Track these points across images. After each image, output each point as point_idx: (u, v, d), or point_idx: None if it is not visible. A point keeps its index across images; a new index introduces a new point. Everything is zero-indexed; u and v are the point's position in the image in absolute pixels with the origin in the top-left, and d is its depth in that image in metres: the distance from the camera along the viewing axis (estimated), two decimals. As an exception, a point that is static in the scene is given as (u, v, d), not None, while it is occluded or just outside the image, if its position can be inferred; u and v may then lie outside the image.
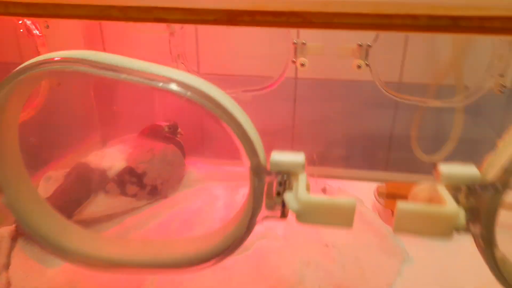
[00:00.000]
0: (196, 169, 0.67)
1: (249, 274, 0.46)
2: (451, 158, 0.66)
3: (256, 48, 0.70)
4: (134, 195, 0.56)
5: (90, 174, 0.54)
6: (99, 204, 0.53)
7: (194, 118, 0.77)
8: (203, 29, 0.70)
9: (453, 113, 0.70)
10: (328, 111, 0.73)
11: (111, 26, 0.72)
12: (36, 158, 0.63)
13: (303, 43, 0.59)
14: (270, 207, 0.24)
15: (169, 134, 0.65)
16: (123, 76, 0.21)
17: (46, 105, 0.58)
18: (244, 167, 0.23)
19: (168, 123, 0.66)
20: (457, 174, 0.23)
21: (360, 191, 0.62)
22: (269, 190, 0.24)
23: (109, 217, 0.54)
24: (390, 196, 0.56)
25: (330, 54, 0.60)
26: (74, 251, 0.29)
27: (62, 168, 0.60)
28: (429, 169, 0.70)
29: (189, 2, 0.20)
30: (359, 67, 0.57)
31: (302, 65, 0.59)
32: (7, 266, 0.45)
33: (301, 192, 0.23)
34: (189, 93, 0.21)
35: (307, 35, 0.66)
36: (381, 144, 0.73)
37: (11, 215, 0.31)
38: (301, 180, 0.23)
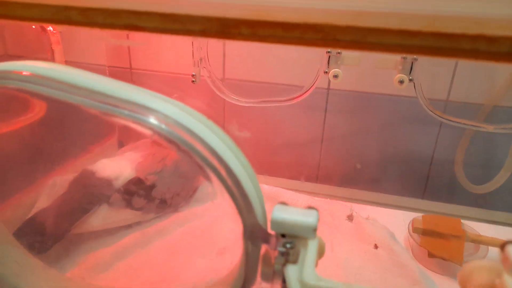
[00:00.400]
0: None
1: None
2: (503, 190, 0.57)
3: (286, 55, 0.64)
4: (140, 209, 0.52)
5: (94, 183, 0.50)
6: (101, 217, 0.49)
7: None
8: None
9: (506, 138, 0.61)
10: (362, 127, 0.66)
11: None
12: (45, 162, 0.60)
13: (338, 53, 0.52)
14: (267, 278, 0.18)
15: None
16: (74, 98, 0.16)
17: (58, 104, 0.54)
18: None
19: (185, 131, 0.61)
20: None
21: (391, 221, 0.55)
22: (267, 255, 0.19)
23: (111, 232, 0.50)
24: (427, 233, 0.49)
25: (368, 65, 0.53)
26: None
27: (69, 173, 0.57)
28: (475, 201, 0.61)
29: (170, 6, 0.15)
30: (401, 82, 0.50)
31: (335, 76, 0.52)
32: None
33: (308, 271, 0.17)
34: (163, 127, 0.16)
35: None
36: (419, 168, 0.65)
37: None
38: (311, 250, 0.17)
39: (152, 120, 0.17)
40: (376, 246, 0.49)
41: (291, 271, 0.17)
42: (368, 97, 0.64)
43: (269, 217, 0.19)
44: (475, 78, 0.59)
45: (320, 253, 0.19)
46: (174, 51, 0.69)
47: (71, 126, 0.67)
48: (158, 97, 0.18)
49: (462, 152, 0.62)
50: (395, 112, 0.63)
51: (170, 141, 0.17)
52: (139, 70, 0.72)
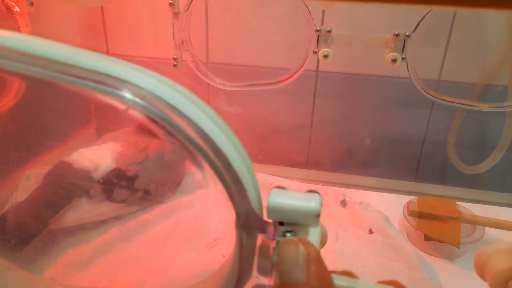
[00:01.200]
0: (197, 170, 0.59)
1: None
2: (496, 170, 0.56)
3: (273, 36, 0.61)
4: (123, 201, 0.49)
5: (72, 175, 0.47)
6: (80, 211, 0.46)
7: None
8: (213, 12, 0.62)
9: (498, 116, 0.60)
10: (353, 110, 0.64)
11: (111, 5, 0.64)
12: (20, 153, 0.56)
13: (328, 31, 0.50)
14: (264, 271, 0.16)
15: (169, 130, 0.58)
16: (34, 69, 0.13)
17: (31, 91, 0.50)
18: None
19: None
20: None
21: (385, 205, 0.54)
22: (264, 246, 0.16)
23: (91, 226, 0.47)
24: (422, 216, 0.47)
25: (359, 44, 0.51)
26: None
27: (45, 166, 0.53)
28: (468, 182, 0.60)
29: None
30: (394, 61, 0.48)
31: (325, 56, 0.50)
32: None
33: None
34: (138, 101, 0.13)
35: (332, 21, 0.56)
36: (411, 150, 0.64)
37: None
38: (313, 239, 0.15)
39: (125, 92, 0.14)
40: (371, 231, 0.47)
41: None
42: (358, 78, 0.62)
43: (264, 205, 0.17)
44: (466, 57, 0.57)
45: (323, 241, 0.17)
46: (154, 34, 0.65)
47: (45, 116, 0.63)
48: (133, 68, 0.15)
49: (454, 133, 0.61)
50: (385, 94, 0.62)
51: (147, 117, 0.14)
52: (116, 54, 0.68)
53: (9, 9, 0.47)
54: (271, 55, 0.63)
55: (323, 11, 0.58)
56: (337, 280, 0.15)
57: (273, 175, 0.58)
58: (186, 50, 0.56)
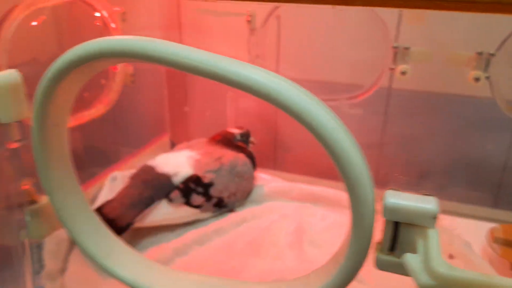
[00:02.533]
0: (266, 184, 0.61)
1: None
2: None
3: (345, 52, 0.62)
4: (199, 206, 0.51)
5: (155, 179, 0.50)
6: (161, 212, 0.48)
7: (267, 127, 0.70)
8: (286, 28, 0.64)
9: None
10: (427, 130, 0.62)
11: (189, 20, 0.68)
12: (103, 157, 0.61)
13: (406, 48, 0.50)
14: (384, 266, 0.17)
15: (241, 143, 0.60)
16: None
17: (118, 103, 0.55)
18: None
19: (240, 131, 0.60)
20: None
21: (463, 230, 0.51)
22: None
23: (170, 228, 0.50)
24: (508, 244, 0.44)
25: (438, 62, 0.50)
26: (122, 277, 0.24)
27: (128, 169, 0.58)
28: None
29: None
30: (477, 79, 0.46)
31: (403, 73, 0.49)
32: (63, 270, 0.43)
33: (438, 260, 0.15)
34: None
35: (410, 38, 0.56)
36: (491, 175, 0.60)
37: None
38: (433, 240, 0.15)
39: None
40: (451, 256, 0.45)
41: (412, 260, 0.15)
42: (432, 97, 0.60)
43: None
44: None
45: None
46: (227, 48, 0.68)
47: (126, 125, 0.68)
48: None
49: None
50: (462, 113, 0.59)
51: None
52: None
53: (106, 25, 0.52)
54: (343, 71, 0.64)
55: (398, 27, 0.58)
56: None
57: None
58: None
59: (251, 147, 0.61)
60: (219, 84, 0.67)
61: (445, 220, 0.53)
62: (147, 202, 0.48)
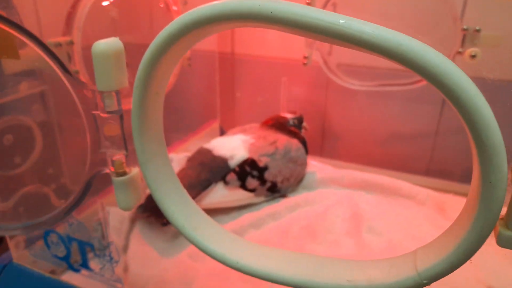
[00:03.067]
0: (317, 170, 0.60)
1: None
2: None
3: (413, 34, 0.59)
4: (253, 190, 0.51)
5: (212, 161, 0.50)
6: (218, 195, 0.49)
7: (316, 113, 0.69)
8: (344, 9, 0.62)
9: None
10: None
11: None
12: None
13: (477, 30, 0.47)
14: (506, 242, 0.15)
15: (293, 128, 0.59)
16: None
17: (175, 87, 0.55)
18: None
19: (294, 115, 0.60)
20: None
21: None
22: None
23: (225, 211, 0.50)
24: None
25: (510, 46, 0.47)
26: (210, 250, 0.24)
27: (182, 151, 0.58)
28: None
29: None
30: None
31: (473, 57, 0.47)
32: (126, 248, 0.44)
33: None
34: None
35: (481, 20, 0.53)
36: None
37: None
38: None
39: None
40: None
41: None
42: (497, 85, 0.57)
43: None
44: None
45: None
46: (280, 34, 0.68)
47: (179, 109, 0.69)
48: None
49: None
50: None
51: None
52: (242, 54, 0.71)
53: (168, 7, 0.52)
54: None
55: (464, 8, 0.55)
56: None
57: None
58: (317, 50, 0.57)
59: (304, 133, 0.60)
60: (269, 70, 0.66)
61: None
62: (205, 184, 0.48)
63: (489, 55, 0.53)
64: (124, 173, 0.24)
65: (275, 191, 0.53)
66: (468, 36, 0.48)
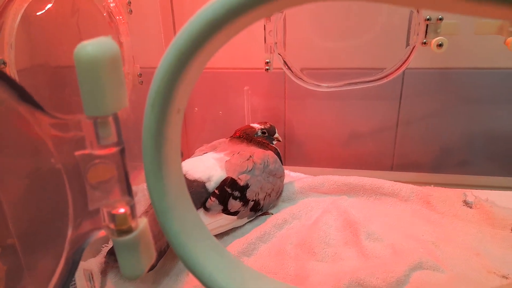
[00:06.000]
0: (294, 180, 0.56)
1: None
2: None
3: (366, 35, 0.58)
4: (236, 213, 0.45)
5: (189, 187, 0.43)
6: (200, 225, 0.42)
7: (277, 121, 0.66)
8: (304, 15, 0.59)
9: None
10: (444, 107, 0.60)
11: (183, 10, 0.62)
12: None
13: (439, 19, 0.47)
14: None
15: (262, 139, 0.55)
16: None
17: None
18: None
19: (263, 126, 0.55)
20: None
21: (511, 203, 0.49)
22: None
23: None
24: None
25: (468, 33, 0.48)
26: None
27: (142, 182, 0.50)
28: None
29: None
30: (518, 45, 0.45)
31: (440, 46, 0.47)
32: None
33: None
34: None
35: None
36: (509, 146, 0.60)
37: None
38: None
39: None
40: (514, 230, 0.43)
41: None
42: (449, 73, 0.59)
43: None
44: None
45: None
46: (244, 44, 0.62)
47: (128, 133, 0.61)
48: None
49: None
50: (482, 87, 0.58)
51: None
52: (206, 68, 0.65)
53: (112, 17, 0.45)
54: (363, 56, 0.60)
55: None
56: None
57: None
58: (279, 54, 0.54)
59: (276, 144, 0.56)
60: (226, 82, 0.59)
61: (487, 194, 0.51)
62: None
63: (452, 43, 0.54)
64: (129, 230, 0.17)
65: (257, 209, 0.48)
66: (431, 26, 0.48)
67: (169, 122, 0.15)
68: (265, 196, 0.48)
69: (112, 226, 0.17)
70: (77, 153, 0.15)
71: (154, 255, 0.19)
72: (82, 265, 0.38)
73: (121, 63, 0.15)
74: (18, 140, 0.20)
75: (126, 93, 0.15)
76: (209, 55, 0.15)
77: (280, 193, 0.53)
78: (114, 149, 0.16)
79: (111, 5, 0.43)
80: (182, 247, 0.18)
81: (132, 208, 0.18)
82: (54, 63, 0.43)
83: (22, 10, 0.31)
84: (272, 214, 0.49)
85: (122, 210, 0.17)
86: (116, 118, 0.15)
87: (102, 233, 0.18)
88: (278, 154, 0.54)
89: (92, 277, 0.34)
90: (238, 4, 0.12)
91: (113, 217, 0.17)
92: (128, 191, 0.17)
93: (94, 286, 0.35)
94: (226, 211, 0.45)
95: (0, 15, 0.30)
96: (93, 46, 0.14)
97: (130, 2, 0.45)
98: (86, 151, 0.15)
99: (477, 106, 0.60)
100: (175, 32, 0.63)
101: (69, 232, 0.17)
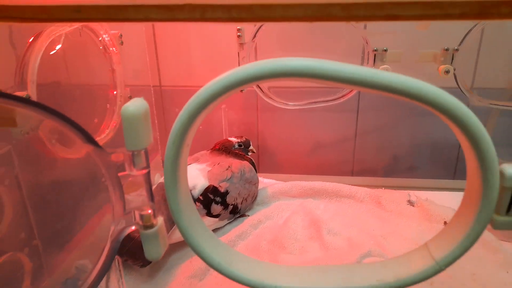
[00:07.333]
0: (267, 186, 0.64)
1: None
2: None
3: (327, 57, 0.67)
4: (218, 215, 0.53)
5: (175, 195, 0.51)
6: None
7: (251, 134, 0.74)
8: (273, 43, 0.68)
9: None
10: (394, 120, 0.70)
11: (165, 39, 0.69)
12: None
13: (384, 50, 0.57)
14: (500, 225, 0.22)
15: (239, 151, 0.63)
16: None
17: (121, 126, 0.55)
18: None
19: (239, 140, 0.63)
20: None
21: (445, 201, 0.59)
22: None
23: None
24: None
25: (410, 61, 0.58)
26: (248, 281, 0.27)
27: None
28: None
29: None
30: (447, 72, 0.55)
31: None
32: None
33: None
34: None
35: (376, 41, 0.63)
36: (449, 152, 0.71)
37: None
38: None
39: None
40: (446, 223, 0.53)
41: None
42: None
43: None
44: (496, 64, 0.66)
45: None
46: (206, 64, 0.70)
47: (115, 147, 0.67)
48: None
49: (489, 132, 0.68)
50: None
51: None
52: (168, 86, 0.72)
53: (106, 49, 0.52)
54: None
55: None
56: None
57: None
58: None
59: (251, 155, 0.64)
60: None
61: (427, 195, 0.61)
62: (173, 220, 0.48)
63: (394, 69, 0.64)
64: (152, 225, 0.25)
65: (236, 212, 0.56)
66: (378, 56, 0.57)
67: (182, 152, 0.22)
68: (242, 201, 0.56)
69: (140, 223, 0.25)
70: (120, 173, 0.23)
71: (167, 244, 0.27)
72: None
73: (149, 115, 0.22)
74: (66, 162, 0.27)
75: (151, 133, 0.23)
76: (209, 111, 0.22)
77: (255, 198, 0.61)
78: (144, 171, 0.23)
79: (106, 39, 0.50)
80: (190, 236, 0.25)
81: (154, 210, 0.25)
82: (61, 92, 0.49)
83: (41, 52, 0.38)
84: (249, 216, 0.58)
85: (149, 211, 0.24)
86: (146, 151, 0.23)
87: (131, 229, 0.25)
88: (253, 163, 0.62)
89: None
90: (229, 84, 0.20)
91: (141, 217, 0.25)
92: (151, 198, 0.25)
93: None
94: (209, 214, 0.52)
95: (24, 57, 0.37)
96: (133, 106, 0.21)
97: (122, 35, 0.52)
98: (126, 172, 0.23)
99: (422, 119, 0.70)
100: (157, 57, 0.71)
101: (112, 228, 0.25)
